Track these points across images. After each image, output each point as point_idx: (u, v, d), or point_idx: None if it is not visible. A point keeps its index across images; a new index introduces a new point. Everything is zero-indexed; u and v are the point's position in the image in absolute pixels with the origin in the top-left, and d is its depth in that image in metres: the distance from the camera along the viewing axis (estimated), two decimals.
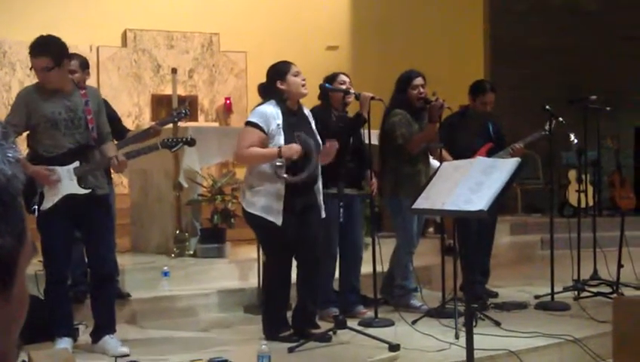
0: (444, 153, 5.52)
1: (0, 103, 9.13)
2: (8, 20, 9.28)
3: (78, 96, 4.47)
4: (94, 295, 4.61)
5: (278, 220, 4.60)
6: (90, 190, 4.42)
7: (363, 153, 5.47)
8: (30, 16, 9.31)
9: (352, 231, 5.41)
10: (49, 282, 4.51)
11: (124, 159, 4.49)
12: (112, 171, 4.90)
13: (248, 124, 4.70)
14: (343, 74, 5.47)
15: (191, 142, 4.75)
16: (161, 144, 4.72)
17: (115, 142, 4.87)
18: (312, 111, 5.01)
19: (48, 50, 4.30)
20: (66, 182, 4.39)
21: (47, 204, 4.39)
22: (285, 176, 4.58)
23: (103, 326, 4.53)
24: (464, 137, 5.79)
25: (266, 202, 4.62)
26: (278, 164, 4.57)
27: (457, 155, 5.37)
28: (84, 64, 5.36)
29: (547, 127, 5.82)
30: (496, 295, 6.08)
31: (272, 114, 4.65)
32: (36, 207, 4.38)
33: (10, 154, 0.77)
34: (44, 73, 4.33)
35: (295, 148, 4.58)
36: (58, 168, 4.39)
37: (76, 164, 4.41)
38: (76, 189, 4.40)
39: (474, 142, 5.83)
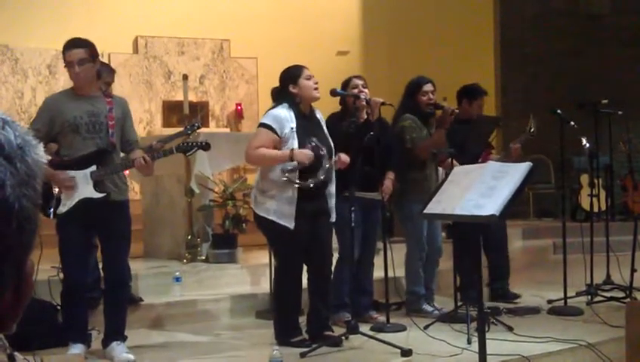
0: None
1: (13, 110, 9.16)
2: (20, 28, 9.33)
3: (102, 102, 4.50)
4: (107, 300, 4.62)
5: (291, 224, 4.60)
6: (105, 194, 4.43)
7: (384, 156, 5.40)
8: (42, 24, 9.36)
9: (368, 234, 5.40)
10: (65, 286, 4.52)
11: (150, 160, 4.46)
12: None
13: (261, 125, 4.72)
14: (357, 78, 5.45)
15: (205, 147, 4.70)
16: (177, 148, 4.70)
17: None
18: (329, 117, 5.01)
19: (84, 44, 4.41)
20: (82, 185, 4.41)
21: (63, 208, 4.41)
22: (297, 180, 4.59)
23: (112, 333, 4.54)
24: (469, 143, 5.77)
25: (278, 206, 4.63)
26: (289, 167, 4.58)
27: (464, 161, 5.37)
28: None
29: (530, 128, 5.81)
30: (518, 297, 6.08)
31: (285, 117, 4.66)
32: (52, 210, 4.40)
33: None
34: (78, 67, 4.34)
35: (307, 153, 4.58)
36: (75, 172, 4.40)
37: (93, 168, 4.43)
38: (91, 193, 4.41)
39: (475, 148, 5.82)
